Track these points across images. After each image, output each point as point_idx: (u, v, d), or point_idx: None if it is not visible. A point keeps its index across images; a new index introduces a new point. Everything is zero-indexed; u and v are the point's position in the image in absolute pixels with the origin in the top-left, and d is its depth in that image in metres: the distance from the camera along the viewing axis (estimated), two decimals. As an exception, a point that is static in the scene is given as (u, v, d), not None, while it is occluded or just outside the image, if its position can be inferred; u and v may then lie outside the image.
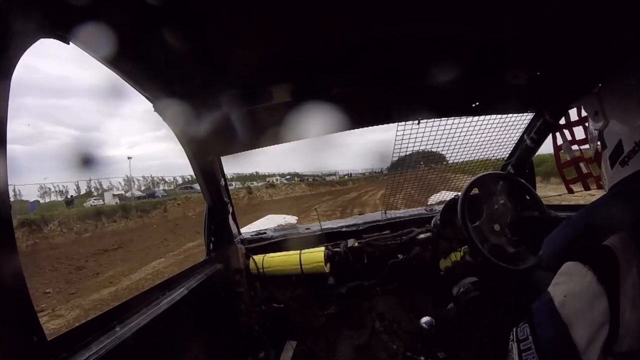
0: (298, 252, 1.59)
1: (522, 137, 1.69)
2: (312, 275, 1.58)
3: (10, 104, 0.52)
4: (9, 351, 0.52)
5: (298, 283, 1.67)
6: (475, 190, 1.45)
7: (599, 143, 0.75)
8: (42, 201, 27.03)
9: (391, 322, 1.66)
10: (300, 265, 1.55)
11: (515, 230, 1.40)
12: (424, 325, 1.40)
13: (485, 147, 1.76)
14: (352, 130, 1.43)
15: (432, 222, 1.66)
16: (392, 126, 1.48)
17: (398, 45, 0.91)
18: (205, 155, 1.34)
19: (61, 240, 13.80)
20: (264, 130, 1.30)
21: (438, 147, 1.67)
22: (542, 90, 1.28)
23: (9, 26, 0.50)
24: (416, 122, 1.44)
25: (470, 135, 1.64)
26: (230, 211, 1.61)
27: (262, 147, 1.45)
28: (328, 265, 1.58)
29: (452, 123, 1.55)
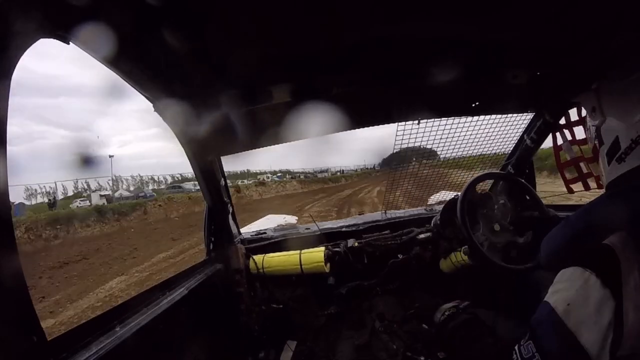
0: (298, 252, 1.59)
1: (522, 137, 1.69)
2: (312, 275, 1.58)
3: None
4: (9, 351, 0.52)
5: (298, 283, 1.67)
6: (475, 190, 1.45)
7: (596, 139, 0.75)
8: (28, 203, 26.12)
9: (391, 322, 1.66)
10: (300, 265, 1.55)
11: (515, 230, 1.40)
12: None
13: (485, 147, 1.76)
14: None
15: (432, 222, 1.66)
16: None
17: (398, 45, 0.91)
18: (205, 155, 1.34)
19: (27, 249, 11.85)
20: (264, 130, 1.30)
21: (438, 147, 1.68)
22: (542, 90, 1.28)
23: (9, 26, 0.50)
24: (416, 122, 1.44)
25: (470, 135, 1.64)
26: (230, 211, 1.61)
27: (262, 147, 1.45)
28: (328, 265, 1.57)
29: (452, 123, 1.55)
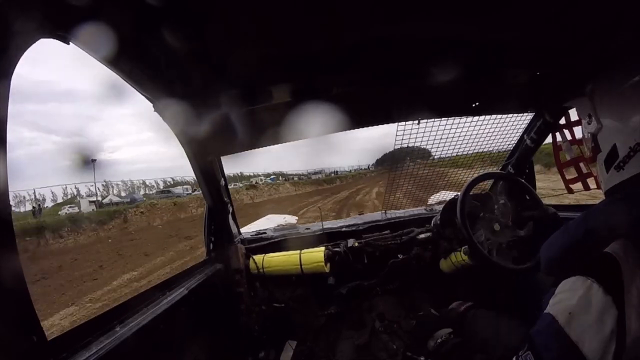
0: (298, 252, 1.59)
1: (522, 137, 1.69)
2: (312, 275, 1.58)
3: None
4: (9, 351, 0.52)
5: (298, 283, 1.67)
6: (475, 190, 1.45)
7: (593, 145, 0.75)
8: (17, 211, 25.61)
9: (391, 322, 1.66)
10: (300, 265, 1.55)
11: (515, 230, 1.40)
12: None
13: (485, 147, 1.76)
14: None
15: (432, 222, 1.66)
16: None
17: (398, 45, 0.91)
18: (205, 155, 1.34)
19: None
20: (264, 130, 1.30)
21: (438, 147, 1.68)
22: (542, 90, 1.28)
23: (9, 26, 0.50)
24: (416, 122, 1.44)
25: (470, 135, 1.64)
26: (230, 211, 1.61)
27: (262, 147, 1.45)
28: (328, 265, 1.58)
29: (452, 123, 1.55)
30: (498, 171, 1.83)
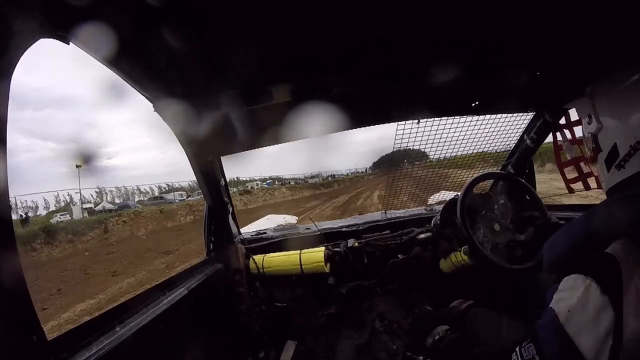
0: (298, 252, 1.59)
1: (522, 137, 1.69)
2: (312, 275, 1.58)
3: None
4: (9, 351, 0.52)
5: (298, 283, 1.67)
6: (475, 190, 1.45)
7: (594, 145, 0.75)
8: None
9: (391, 322, 1.66)
10: (300, 265, 1.55)
11: (515, 230, 1.40)
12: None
13: (485, 147, 1.76)
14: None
15: (432, 222, 1.66)
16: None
17: (398, 45, 0.91)
18: (205, 155, 1.34)
19: None
20: (264, 130, 1.30)
21: (438, 146, 1.68)
22: (542, 90, 1.28)
23: (9, 26, 0.50)
24: (416, 121, 1.45)
25: (470, 135, 1.64)
26: (230, 211, 1.61)
27: (262, 147, 1.45)
28: (328, 265, 1.58)
29: (452, 123, 1.55)
30: (498, 171, 1.83)
